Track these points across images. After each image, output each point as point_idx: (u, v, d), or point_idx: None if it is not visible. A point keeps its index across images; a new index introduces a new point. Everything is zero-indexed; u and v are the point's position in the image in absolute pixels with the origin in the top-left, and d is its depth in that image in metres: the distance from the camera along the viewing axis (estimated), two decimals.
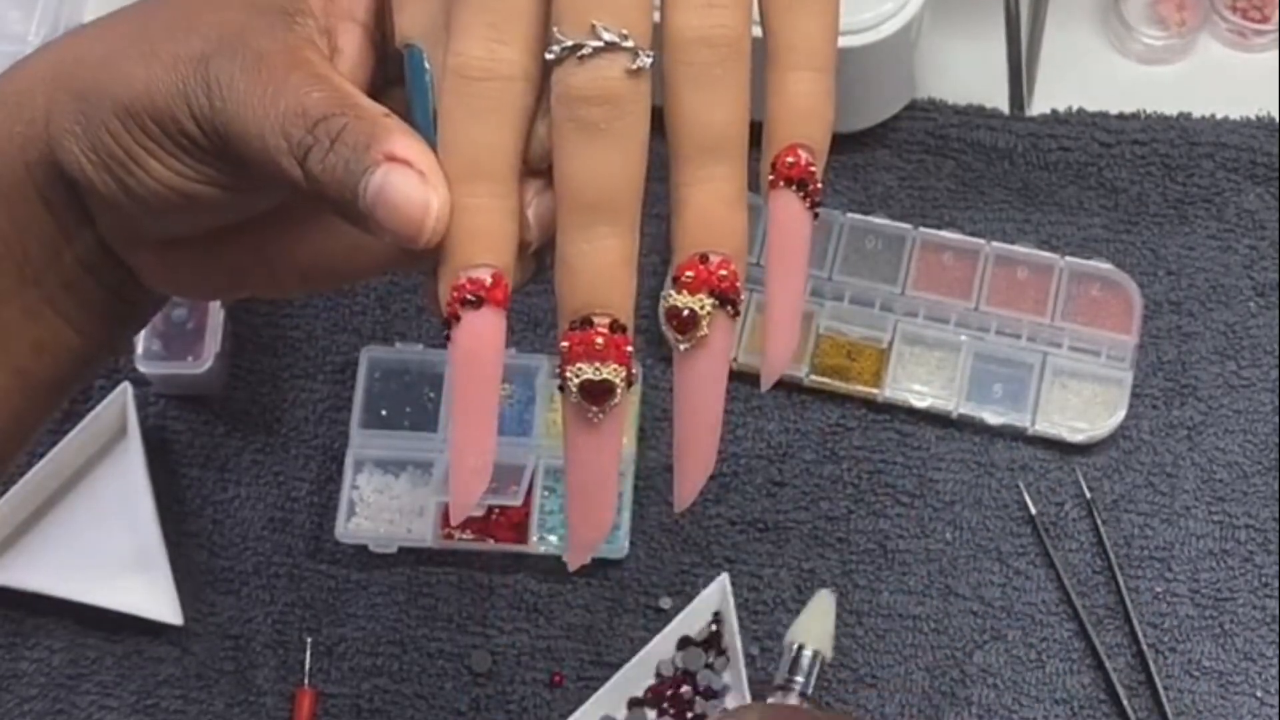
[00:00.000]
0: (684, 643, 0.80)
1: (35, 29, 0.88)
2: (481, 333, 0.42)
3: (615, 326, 0.41)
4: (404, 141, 0.42)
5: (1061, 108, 0.90)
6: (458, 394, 0.42)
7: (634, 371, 0.42)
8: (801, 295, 0.44)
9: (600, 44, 0.40)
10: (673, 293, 0.42)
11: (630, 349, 0.42)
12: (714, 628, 0.80)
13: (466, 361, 0.42)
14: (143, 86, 0.45)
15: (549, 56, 0.41)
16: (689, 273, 0.41)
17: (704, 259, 0.41)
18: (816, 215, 0.44)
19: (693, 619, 0.80)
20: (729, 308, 0.42)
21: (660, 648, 0.79)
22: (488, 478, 0.42)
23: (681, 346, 0.42)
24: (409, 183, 0.41)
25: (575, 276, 0.41)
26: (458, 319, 0.42)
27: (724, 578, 0.80)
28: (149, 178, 0.46)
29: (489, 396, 0.42)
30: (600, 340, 0.41)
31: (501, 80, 0.42)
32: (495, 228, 0.42)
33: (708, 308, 0.41)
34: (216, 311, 0.85)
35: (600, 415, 0.42)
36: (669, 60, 0.42)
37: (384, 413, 0.84)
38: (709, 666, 0.79)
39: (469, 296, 0.42)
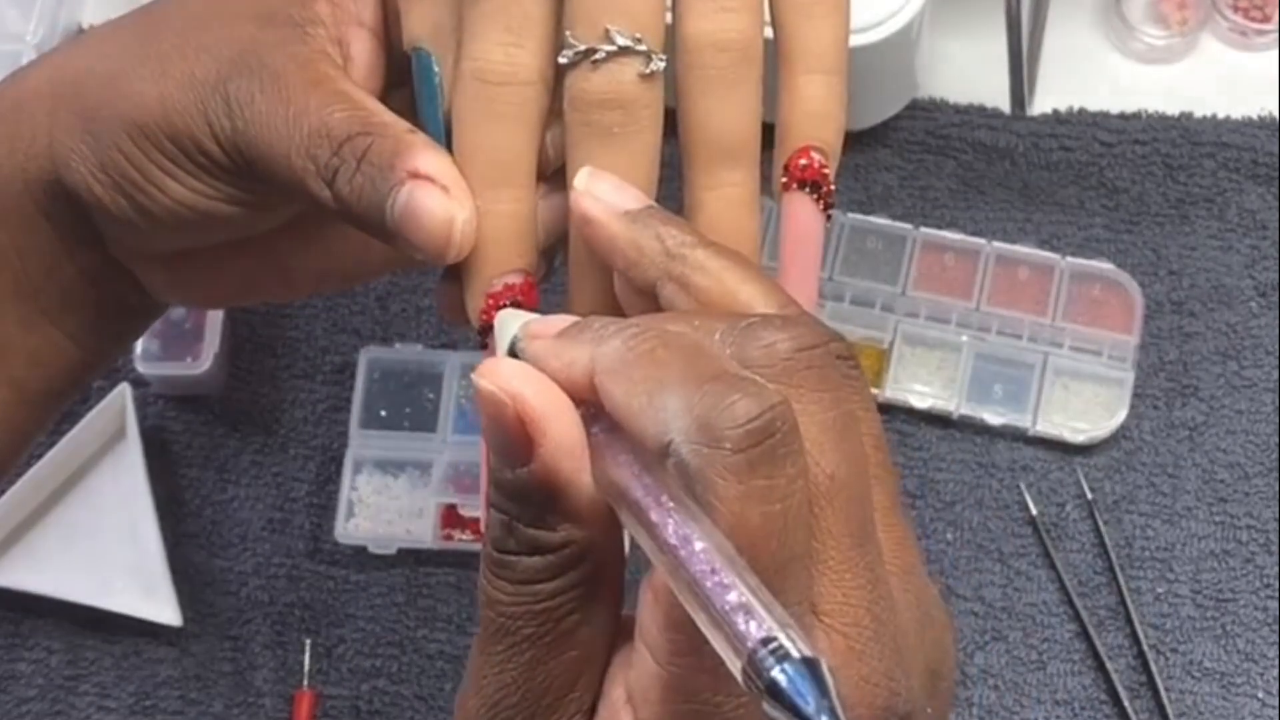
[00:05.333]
0: None
1: (34, 29, 0.87)
2: None
3: None
4: (427, 156, 0.42)
5: (1062, 107, 0.90)
6: None
7: None
8: (815, 297, 0.44)
9: (614, 48, 0.40)
10: None
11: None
12: None
13: None
14: (157, 106, 0.44)
15: (562, 61, 0.41)
16: None
17: None
18: (830, 217, 0.44)
19: None
20: None
21: None
22: None
23: None
24: (432, 198, 0.41)
25: None
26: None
27: None
28: (165, 197, 0.45)
29: None
30: None
31: (520, 85, 0.41)
32: (523, 232, 0.42)
33: None
34: (216, 312, 0.84)
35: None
36: (681, 64, 0.41)
37: (383, 413, 0.84)
38: None
39: (507, 303, 0.42)
